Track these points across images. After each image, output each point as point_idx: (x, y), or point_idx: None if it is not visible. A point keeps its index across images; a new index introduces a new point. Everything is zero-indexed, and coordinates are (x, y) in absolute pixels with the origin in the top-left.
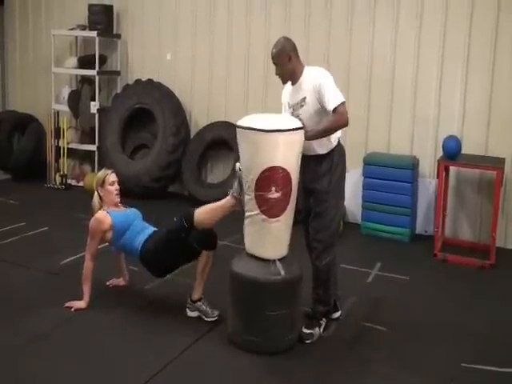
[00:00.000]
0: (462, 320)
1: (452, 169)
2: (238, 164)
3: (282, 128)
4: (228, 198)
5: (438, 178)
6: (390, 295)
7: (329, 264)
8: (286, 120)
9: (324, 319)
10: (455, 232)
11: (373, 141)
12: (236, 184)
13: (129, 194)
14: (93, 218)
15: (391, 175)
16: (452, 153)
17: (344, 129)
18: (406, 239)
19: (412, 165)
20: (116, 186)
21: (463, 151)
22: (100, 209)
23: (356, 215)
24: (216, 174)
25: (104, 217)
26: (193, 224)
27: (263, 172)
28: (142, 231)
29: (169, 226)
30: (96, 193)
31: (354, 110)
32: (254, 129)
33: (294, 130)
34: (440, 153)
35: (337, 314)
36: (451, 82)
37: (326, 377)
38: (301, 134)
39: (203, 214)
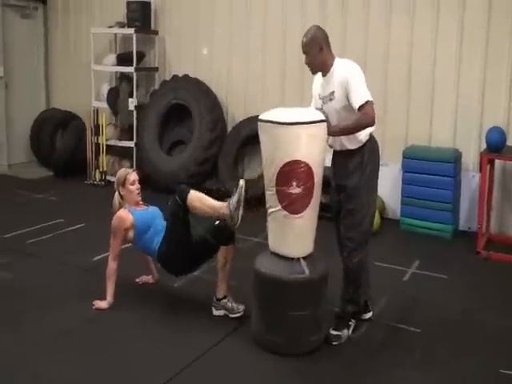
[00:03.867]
0: (502, 323)
1: (497, 162)
2: (242, 181)
3: (303, 121)
4: (224, 205)
5: (481, 171)
6: (426, 295)
7: (360, 263)
8: (308, 113)
9: (353, 320)
10: (501, 228)
11: (413, 133)
12: (235, 199)
13: (165, 190)
14: (115, 217)
15: (432, 169)
16: (496, 145)
17: (382, 121)
18: (448, 236)
19: (454, 158)
20: (137, 185)
21: (510, 143)
22: (120, 208)
23: (395, 211)
24: (253, 168)
25: (126, 214)
26: (186, 203)
27: (284, 166)
28: (161, 231)
29: (167, 211)
30: (117, 193)
31: (393, 102)
32: (275, 122)
33: (315, 122)
34: (484, 145)
35: (368, 315)
36: (496, 70)
37: (352, 381)
38: (323, 127)
39: (196, 200)
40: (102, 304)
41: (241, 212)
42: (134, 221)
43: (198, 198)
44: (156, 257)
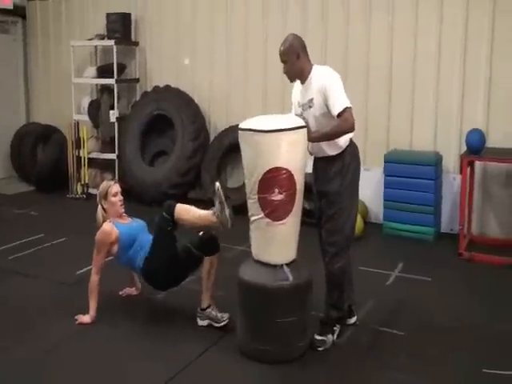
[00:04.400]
0: (486, 323)
1: (478, 164)
2: (217, 183)
3: (282, 128)
4: (210, 213)
5: (461, 173)
6: (410, 298)
7: (342, 267)
8: (287, 119)
9: (338, 325)
10: (482, 229)
11: (394, 138)
12: (217, 203)
13: (149, 201)
14: (99, 231)
15: (413, 172)
16: (475, 147)
17: (364, 126)
18: (430, 238)
19: (435, 161)
20: (120, 197)
21: (489, 145)
22: (104, 222)
23: (378, 215)
24: (236, 177)
25: (110, 228)
26: (173, 215)
27: (265, 173)
28: (146, 246)
29: (154, 227)
30: (99, 206)
31: (374, 108)
32: (255, 130)
33: (295, 129)
34: (464, 147)
35: (353, 320)
36: (474, 73)
37: None
38: (303, 134)
39: (184, 213)
40: (85, 319)
41: (227, 212)
42: (119, 235)
43: (185, 211)
44: (141, 272)
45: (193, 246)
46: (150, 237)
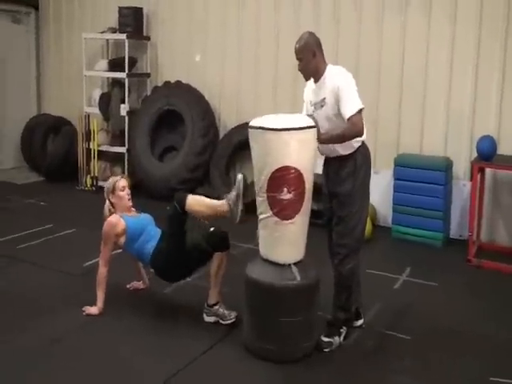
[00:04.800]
0: (493, 331)
1: (488, 170)
2: (240, 175)
3: (293, 126)
4: (223, 202)
5: (471, 180)
6: (417, 302)
7: (352, 270)
8: (298, 119)
9: (344, 327)
10: (492, 236)
11: (404, 141)
12: (234, 193)
13: (157, 196)
14: (106, 222)
15: (423, 177)
16: (486, 153)
17: (374, 129)
18: (439, 244)
19: (445, 166)
20: (127, 191)
21: (500, 151)
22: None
23: (386, 218)
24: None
25: (117, 220)
26: (184, 209)
27: (274, 172)
28: (154, 237)
29: (166, 216)
30: (107, 201)
31: (385, 110)
32: (265, 128)
33: (305, 128)
34: (475, 154)
35: (359, 322)
36: (487, 78)
37: None
38: (313, 133)
39: (195, 204)
40: (93, 310)
41: (240, 207)
42: (125, 226)
43: (196, 202)
44: (149, 263)
45: (203, 240)
46: (158, 229)
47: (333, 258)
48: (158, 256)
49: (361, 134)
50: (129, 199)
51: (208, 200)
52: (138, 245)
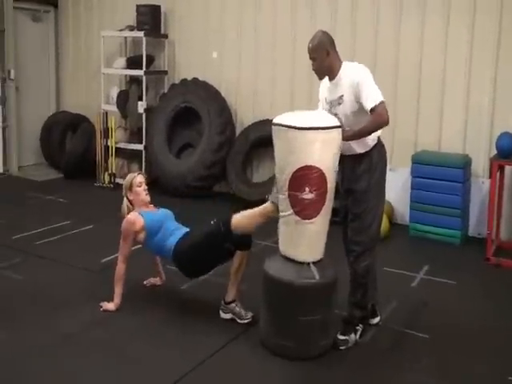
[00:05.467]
0: (511, 330)
1: (508, 168)
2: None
3: (318, 126)
4: (267, 204)
5: (490, 177)
6: (434, 301)
7: (367, 267)
8: (323, 117)
9: (361, 325)
10: (511, 235)
11: (422, 139)
12: (275, 190)
13: (174, 193)
14: (125, 220)
15: (441, 174)
16: (506, 151)
17: (392, 126)
18: (457, 242)
19: (463, 164)
20: (144, 187)
21: None
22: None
23: (404, 216)
24: (261, 172)
25: (136, 217)
26: (230, 229)
27: (297, 171)
28: (175, 232)
29: (204, 228)
30: (125, 199)
31: (403, 107)
32: (289, 126)
33: (330, 128)
34: (495, 151)
35: (376, 320)
36: (506, 74)
37: None
38: (338, 133)
39: (241, 220)
40: (110, 306)
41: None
42: (144, 223)
43: (241, 217)
44: (171, 257)
45: (227, 240)
46: (178, 224)
47: (348, 255)
48: (182, 252)
49: (387, 123)
50: (146, 194)
51: (250, 211)
52: (158, 239)
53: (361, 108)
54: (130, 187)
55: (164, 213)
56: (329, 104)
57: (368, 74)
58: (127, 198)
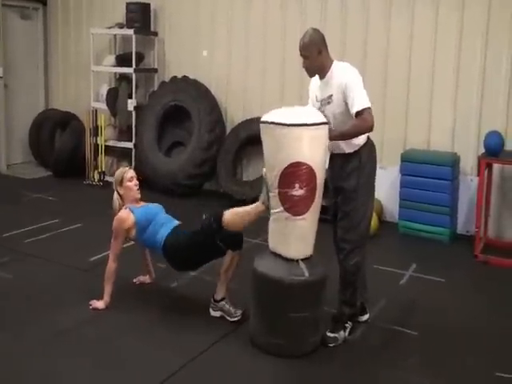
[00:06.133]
0: (499, 326)
1: (495, 166)
2: (264, 169)
3: (306, 122)
4: (258, 204)
5: (479, 175)
6: (423, 298)
7: (356, 265)
8: (310, 114)
9: (350, 322)
10: (499, 232)
11: (411, 137)
12: (264, 190)
13: (164, 192)
14: (115, 218)
15: (430, 172)
16: (494, 149)
17: (381, 124)
18: (446, 239)
19: (452, 162)
20: (135, 182)
21: (508, 147)
22: (121, 208)
23: (393, 214)
24: (251, 171)
25: (127, 215)
26: (221, 225)
27: (286, 168)
28: (165, 224)
29: (196, 223)
30: (116, 193)
31: (392, 106)
32: (277, 123)
33: (317, 124)
34: (482, 149)
35: (365, 317)
36: (495, 74)
37: (349, 382)
38: (325, 129)
39: (232, 216)
40: (99, 304)
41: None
42: (135, 219)
43: (231, 214)
44: (161, 250)
45: (219, 237)
46: (169, 216)
47: (338, 253)
48: (173, 245)
49: (371, 130)
50: (137, 189)
51: (241, 209)
52: (149, 233)
53: (348, 109)
54: (121, 181)
55: (154, 206)
56: (319, 102)
57: (357, 76)
58: (118, 193)
